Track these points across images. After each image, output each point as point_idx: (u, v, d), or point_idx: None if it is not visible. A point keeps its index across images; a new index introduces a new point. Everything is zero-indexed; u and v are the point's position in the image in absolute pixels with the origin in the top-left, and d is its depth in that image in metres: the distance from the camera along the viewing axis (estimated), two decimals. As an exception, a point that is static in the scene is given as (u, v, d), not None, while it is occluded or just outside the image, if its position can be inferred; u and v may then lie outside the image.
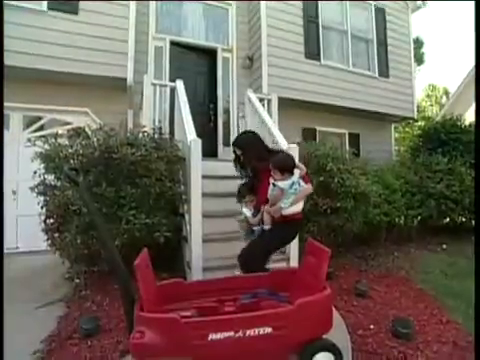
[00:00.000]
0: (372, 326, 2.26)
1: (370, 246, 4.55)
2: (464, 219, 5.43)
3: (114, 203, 2.53)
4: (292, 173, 2.14)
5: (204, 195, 2.77)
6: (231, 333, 1.48)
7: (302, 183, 2.15)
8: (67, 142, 2.74)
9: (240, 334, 1.49)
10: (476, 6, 2.41)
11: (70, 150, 2.60)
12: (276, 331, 1.53)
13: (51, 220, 2.74)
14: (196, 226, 2.69)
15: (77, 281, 2.99)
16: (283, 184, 2.09)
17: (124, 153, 2.52)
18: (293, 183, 2.10)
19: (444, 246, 4.72)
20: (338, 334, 2.00)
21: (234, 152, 2.50)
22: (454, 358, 1.93)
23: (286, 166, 2.14)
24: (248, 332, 1.50)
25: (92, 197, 2.40)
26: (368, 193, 3.71)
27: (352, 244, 4.40)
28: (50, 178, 2.80)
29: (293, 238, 2.45)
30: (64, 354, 1.93)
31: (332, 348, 1.64)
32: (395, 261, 3.96)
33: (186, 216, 3.02)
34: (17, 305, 2.55)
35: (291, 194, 2.10)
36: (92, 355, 1.90)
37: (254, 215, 2.32)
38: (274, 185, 2.12)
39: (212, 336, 1.47)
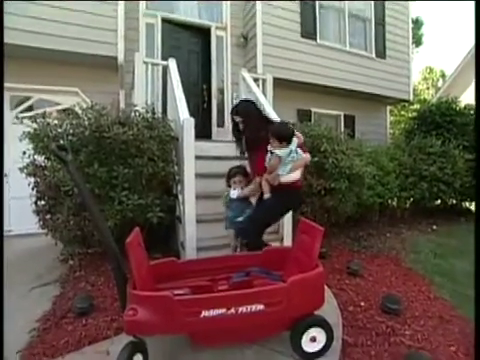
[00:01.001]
0: (363, 303, 2.32)
1: (363, 227, 4.62)
2: (455, 201, 5.52)
3: (106, 183, 2.50)
4: (290, 142, 2.13)
5: (197, 175, 2.75)
6: (223, 310, 1.50)
7: (300, 152, 2.15)
8: (56, 122, 2.67)
9: (233, 311, 1.50)
10: (476, 6, 2.39)
11: (59, 130, 2.53)
12: (268, 308, 1.55)
13: (42, 202, 2.70)
14: (189, 206, 2.68)
15: (71, 263, 2.99)
16: (281, 152, 2.09)
17: (115, 132, 2.46)
18: (291, 151, 2.11)
19: (434, 227, 4.81)
20: (329, 311, 2.05)
21: (233, 120, 2.44)
22: (439, 330, 2.00)
23: (284, 134, 2.13)
24: (240, 309, 1.51)
25: (84, 178, 2.37)
26: (362, 174, 3.72)
27: (345, 225, 4.45)
28: (40, 159, 2.75)
29: (296, 206, 2.50)
30: (59, 332, 1.95)
31: (323, 323, 1.68)
32: (387, 242, 4.03)
33: (179, 197, 3.02)
34: (12, 287, 2.56)
35: (289, 162, 2.11)
36: (87, 333, 1.92)
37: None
38: (272, 153, 2.12)
39: (205, 313, 1.48)
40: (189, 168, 2.71)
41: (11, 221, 4.25)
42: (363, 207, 4.47)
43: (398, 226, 4.86)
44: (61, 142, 2.36)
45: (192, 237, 2.65)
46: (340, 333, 1.89)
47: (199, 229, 2.68)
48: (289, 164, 2.11)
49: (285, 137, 2.13)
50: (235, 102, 4.65)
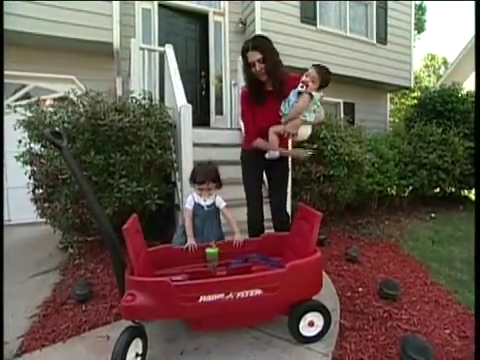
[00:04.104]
0: (360, 289, 2.33)
1: (361, 215, 4.65)
2: (453, 189, 5.52)
3: (104, 171, 2.48)
4: (321, 90, 2.01)
5: (196, 163, 2.72)
6: (221, 295, 1.50)
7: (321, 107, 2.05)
8: (51, 109, 2.63)
9: (231, 296, 1.51)
10: (476, 5, 2.35)
11: (54, 117, 2.50)
12: (266, 293, 1.56)
13: (40, 190, 2.69)
14: (188, 194, 2.67)
15: (71, 251, 3.00)
16: (316, 94, 1.94)
17: (111, 119, 2.43)
18: (321, 97, 2.00)
19: (433, 215, 4.82)
20: (328, 296, 2.07)
21: (246, 61, 2.07)
22: (434, 314, 2.02)
23: (328, 78, 1.98)
24: (239, 294, 1.52)
25: (81, 165, 2.35)
26: (362, 162, 3.71)
27: (344, 213, 4.47)
28: (36, 147, 2.72)
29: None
30: (60, 318, 1.97)
31: (321, 308, 1.69)
32: (385, 229, 4.05)
33: (178, 184, 3.01)
34: (12, 274, 2.57)
35: (313, 111, 1.99)
36: (87, 318, 1.94)
37: (208, 206, 2.13)
38: (300, 93, 1.95)
39: (203, 298, 1.49)
40: (187, 155, 2.69)
41: (10, 210, 4.25)
42: (362, 195, 4.48)
43: (396, 214, 4.88)
44: (57, 130, 2.32)
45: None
46: (338, 318, 1.91)
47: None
48: (312, 114, 1.99)
49: (327, 82, 1.97)
50: (231, 97, 4.61)
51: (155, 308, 1.49)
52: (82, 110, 2.48)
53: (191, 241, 2.05)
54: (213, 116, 5.23)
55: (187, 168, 2.65)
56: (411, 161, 4.86)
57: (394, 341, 1.73)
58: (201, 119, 4.83)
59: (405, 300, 2.16)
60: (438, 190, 5.34)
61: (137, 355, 1.47)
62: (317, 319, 1.68)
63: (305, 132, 2.08)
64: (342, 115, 6.32)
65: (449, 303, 2.16)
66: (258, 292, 1.55)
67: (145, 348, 1.53)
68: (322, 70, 2.00)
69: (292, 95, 2.02)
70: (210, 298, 1.50)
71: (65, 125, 2.44)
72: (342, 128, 3.76)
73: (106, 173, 2.49)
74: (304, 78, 2.00)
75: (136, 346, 1.47)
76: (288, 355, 1.59)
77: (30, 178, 2.67)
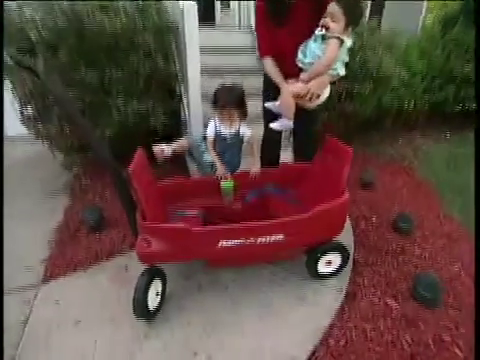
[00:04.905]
0: (374, 218, 2.32)
1: (376, 132, 4.39)
2: (475, 106, 5.11)
3: (98, 89, 2.12)
4: (354, 28, 1.49)
5: (204, 72, 2.37)
6: (242, 240, 1.44)
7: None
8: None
9: (252, 240, 1.45)
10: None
11: (23, 18, 1.95)
12: (288, 237, 1.49)
13: (29, 109, 2.36)
14: (195, 110, 2.38)
15: (76, 170, 2.87)
16: (347, 40, 1.45)
17: (99, 21, 1.93)
18: (353, 44, 1.53)
19: (448, 135, 4.59)
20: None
21: None
22: (447, 249, 2.05)
23: (359, 14, 1.50)
24: (260, 239, 1.46)
25: (71, 84, 1.99)
26: (390, 76, 3.25)
27: (357, 129, 4.21)
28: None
29: None
30: (76, 246, 1.98)
31: (341, 248, 1.67)
32: (399, 149, 3.89)
33: (184, 99, 2.68)
34: (20, 196, 2.52)
35: (343, 63, 1.54)
36: (102, 247, 1.96)
37: (231, 135, 1.84)
38: (324, 38, 1.45)
39: (222, 243, 1.43)
40: (193, 63, 2.28)
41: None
42: (379, 110, 4.13)
43: (411, 132, 4.62)
44: (32, 37, 1.84)
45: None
46: (352, 253, 1.92)
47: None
48: (343, 66, 1.54)
49: (358, 18, 1.49)
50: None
51: (172, 252, 1.45)
52: (57, 8, 1.92)
53: (222, 170, 1.87)
54: (218, 11, 4.36)
55: (194, 78, 2.29)
56: (440, 73, 4.32)
57: (405, 276, 1.78)
58: (205, 15, 4.02)
59: (418, 234, 2.17)
60: (460, 107, 4.94)
61: (157, 294, 1.49)
62: (335, 258, 1.68)
63: (326, 92, 1.62)
64: (367, 16, 5.34)
65: (461, 238, 2.17)
66: (280, 237, 1.48)
67: (164, 286, 1.55)
68: (348, 3, 1.42)
69: (313, 40, 1.51)
70: (230, 243, 1.44)
71: (38, 29, 1.92)
72: (370, 33, 3.16)
73: (101, 91, 2.13)
74: (323, 20, 1.45)
75: (156, 286, 1.48)
76: (304, 291, 1.64)
77: (13, 93, 2.30)
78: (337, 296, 1.62)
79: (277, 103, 1.64)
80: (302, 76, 1.56)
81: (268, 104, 1.70)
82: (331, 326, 1.47)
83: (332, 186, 1.66)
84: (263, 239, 1.46)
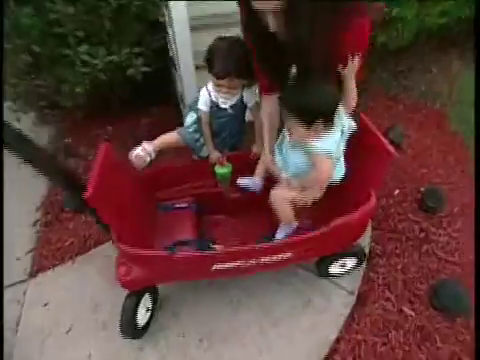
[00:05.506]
0: (397, 190, 2.02)
1: (404, 56, 3.60)
2: None
3: (47, 36, 1.56)
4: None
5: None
6: (241, 262, 1.20)
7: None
8: None
9: (252, 262, 1.21)
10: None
11: None
12: (298, 254, 1.25)
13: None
14: (183, 43, 1.84)
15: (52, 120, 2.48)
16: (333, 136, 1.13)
17: None
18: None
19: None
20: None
21: None
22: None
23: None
24: (263, 260, 1.22)
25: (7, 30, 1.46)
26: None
27: (381, 53, 3.43)
28: None
29: None
30: (62, 231, 1.82)
31: (358, 253, 1.44)
32: (432, 84, 3.24)
33: (169, 29, 2.08)
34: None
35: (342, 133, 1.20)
36: (90, 232, 1.78)
37: (231, 107, 1.42)
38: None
39: (216, 267, 1.20)
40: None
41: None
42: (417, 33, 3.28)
43: (447, 54, 3.77)
44: None
45: (191, 88, 1.98)
46: (368, 239, 1.71)
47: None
48: (342, 144, 1.21)
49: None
50: None
51: (158, 276, 1.25)
52: None
53: (215, 154, 1.52)
54: None
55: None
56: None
57: (426, 274, 1.60)
58: None
59: (446, 213, 1.88)
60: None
61: (148, 310, 1.35)
62: (350, 261, 1.47)
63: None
64: None
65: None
66: (288, 255, 1.24)
67: (155, 299, 1.41)
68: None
69: (290, 147, 1.22)
70: (225, 266, 1.21)
71: None
72: None
73: (53, 38, 1.57)
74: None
75: (145, 303, 1.32)
76: (311, 293, 1.49)
77: None
78: (347, 301, 1.47)
79: (257, 180, 1.43)
80: (293, 183, 1.25)
81: (243, 181, 1.46)
82: (338, 339, 1.36)
83: (359, 184, 1.31)
84: (267, 259, 1.22)
